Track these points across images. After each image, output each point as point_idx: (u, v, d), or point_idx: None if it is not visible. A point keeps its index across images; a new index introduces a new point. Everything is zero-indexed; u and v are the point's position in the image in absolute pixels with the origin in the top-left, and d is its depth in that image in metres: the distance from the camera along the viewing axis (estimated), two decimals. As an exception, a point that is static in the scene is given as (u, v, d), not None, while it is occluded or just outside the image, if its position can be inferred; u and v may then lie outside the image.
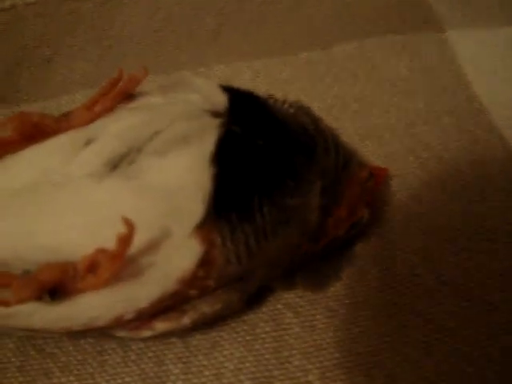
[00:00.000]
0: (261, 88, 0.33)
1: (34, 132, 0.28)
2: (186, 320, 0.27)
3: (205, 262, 0.25)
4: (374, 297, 0.31)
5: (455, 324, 0.30)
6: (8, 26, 0.46)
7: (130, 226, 0.23)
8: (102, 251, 0.24)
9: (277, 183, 0.27)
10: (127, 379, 0.29)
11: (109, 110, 0.29)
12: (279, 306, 0.31)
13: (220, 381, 0.29)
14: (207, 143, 0.26)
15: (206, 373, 0.29)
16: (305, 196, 0.27)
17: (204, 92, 0.28)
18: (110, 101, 0.29)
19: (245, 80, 0.40)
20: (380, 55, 0.42)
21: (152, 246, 0.25)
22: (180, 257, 0.25)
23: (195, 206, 0.25)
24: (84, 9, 0.46)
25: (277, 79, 0.41)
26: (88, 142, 0.27)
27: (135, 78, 0.29)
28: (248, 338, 0.30)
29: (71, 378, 0.29)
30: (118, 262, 0.24)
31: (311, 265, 0.31)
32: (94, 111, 0.29)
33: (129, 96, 0.29)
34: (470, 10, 0.45)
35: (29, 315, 0.26)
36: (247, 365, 0.29)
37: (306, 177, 0.28)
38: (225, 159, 0.26)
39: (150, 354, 0.30)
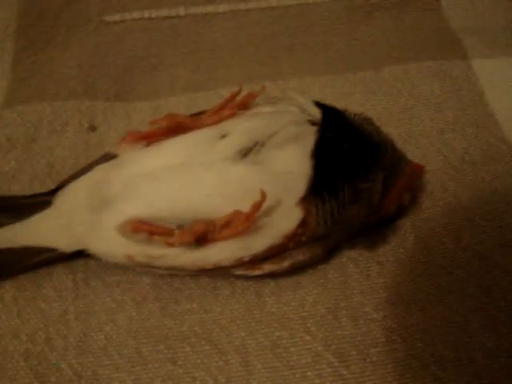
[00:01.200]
0: (327, 99, 0.39)
1: (177, 127, 0.36)
2: (286, 264, 0.35)
3: (302, 224, 0.33)
4: (410, 255, 0.38)
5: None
6: (120, 37, 0.53)
7: (263, 195, 0.31)
8: (238, 212, 0.32)
9: (353, 173, 0.34)
10: (236, 306, 0.37)
11: (233, 114, 0.36)
12: (344, 260, 0.38)
13: (303, 308, 0.36)
14: (309, 143, 0.34)
15: (293, 303, 0.37)
16: (371, 183, 0.35)
17: (303, 106, 0.36)
18: (235, 107, 0.36)
19: (314, 92, 0.46)
20: (419, 77, 0.48)
21: (269, 211, 0.33)
22: (287, 219, 0.33)
23: (299, 186, 0.33)
24: (182, 25, 0.53)
25: (339, 92, 0.47)
26: (223, 137, 0.35)
27: (254, 94, 0.37)
28: (322, 280, 0.37)
29: (194, 306, 0.37)
30: (251, 221, 0.32)
31: (369, 231, 0.38)
32: (221, 114, 0.36)
33: (246, 105, 0.37)
34: (491, 43, 0.51)
35: (175, 257, 0.34)
36: (322, 298, 0.37)
37: (372, 169, 0.35)
38: (320, 155, 0.34)
39: (252, 290, 0.37)
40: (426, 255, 0.38)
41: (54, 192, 0.38)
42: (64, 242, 0.36)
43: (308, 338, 0.36)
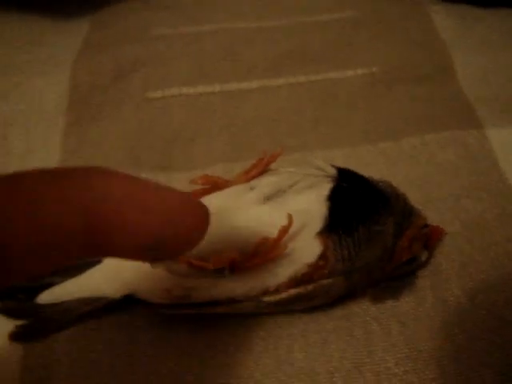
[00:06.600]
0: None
1: (212, 186, 0.41)
2: (310, 287, 0.38)
3: (322, 257, 0.37)
4: (429, 314, 0.40)
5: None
6: (161, 112, 0.58)
7: (290, 219, 0.36)
8: (266, 239, 0.36)
9: (367, 215, 0.39)
10: (267, 361, 0.39)
11: (260, 174, 0.41)
12: (367, 318, 0.41)
13: (330, 364, 0.39)
14: (325, 189, 0.39)
15: (320, 359, 0.39)
16: (383, 225, 0.39)
17: (321, 167, 0.41)
18: (261, 167, 0.41)
19: (338, 163, 0.46)
20: (436, 146, 0.51)
21: (291, 242, 0.36)
22: (308, 251, 0.37)
23: (316, 222, 0.38)
24: (216, 100, 0.59)
25: (361, 163, 0.50)
26: (251, 189, 0.40)
27: (277, 153, 0.42)
28: (347, 338, 0.40)
29: (229, 361, 0.40)
30: (278, 246, 0.35)
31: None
32: (250, 174, 0.41)
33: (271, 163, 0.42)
34: (504, 112, 0.54)
35: (208, 288, 0.38)
36: (347, 354, 0.39)
37: (384, 214, 0.39)
38: (336, 199, 0.39)
39: (283, 346, 0.40)
40: (444, 314, 0.41)
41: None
42: (113, 290, 0.40)
43: (335, 391, 0.38)
